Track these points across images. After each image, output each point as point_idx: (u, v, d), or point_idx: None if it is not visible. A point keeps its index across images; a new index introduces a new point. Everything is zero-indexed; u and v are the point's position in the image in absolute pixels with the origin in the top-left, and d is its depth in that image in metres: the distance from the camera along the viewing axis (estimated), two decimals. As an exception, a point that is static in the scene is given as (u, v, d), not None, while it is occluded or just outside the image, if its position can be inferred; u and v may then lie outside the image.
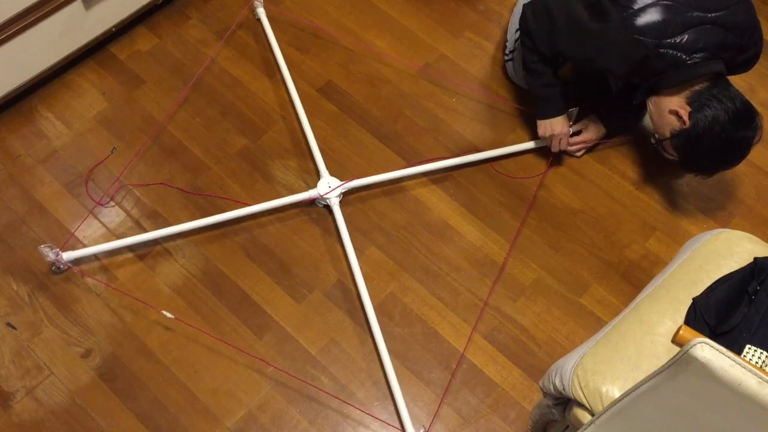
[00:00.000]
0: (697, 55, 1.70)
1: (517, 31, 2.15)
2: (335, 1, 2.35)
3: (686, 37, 1.69)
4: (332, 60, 2.22)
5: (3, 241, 1.85)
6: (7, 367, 1.70)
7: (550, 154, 2.05)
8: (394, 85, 2.19)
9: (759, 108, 1.89)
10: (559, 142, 1.99)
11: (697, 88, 1.74)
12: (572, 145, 2.07)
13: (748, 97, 1.78)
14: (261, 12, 2.25)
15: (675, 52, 1.70)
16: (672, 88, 1.76)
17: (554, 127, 1.96)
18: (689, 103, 1.74)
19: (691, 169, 1.88)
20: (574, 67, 2.16)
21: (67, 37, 2.00)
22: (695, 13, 1.69)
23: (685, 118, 1.74)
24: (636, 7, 1.69)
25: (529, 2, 1.89)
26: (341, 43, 2.26)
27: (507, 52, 2.19)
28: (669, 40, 1.69)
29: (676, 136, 1.78)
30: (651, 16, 1.68)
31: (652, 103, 1.84)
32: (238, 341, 1.76)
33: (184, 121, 2.07)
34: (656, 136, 1.88)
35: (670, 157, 1.87)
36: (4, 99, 1.98)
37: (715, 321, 1.31)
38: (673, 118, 1.77)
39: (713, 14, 1.70)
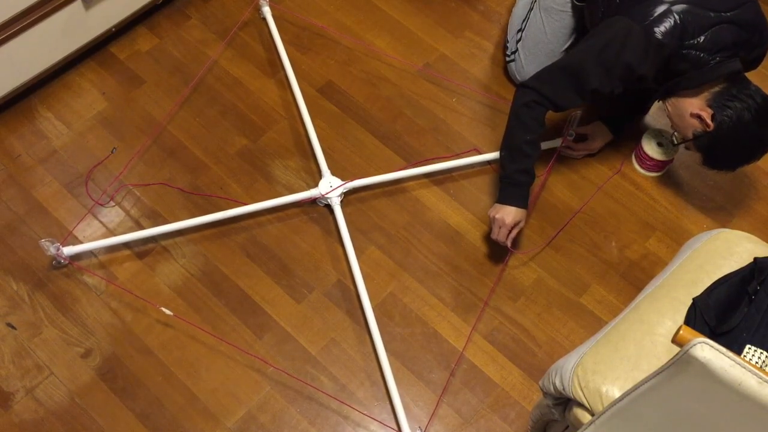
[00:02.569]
0: (718, 55, 1.70)
1: (518, 32, 2.15)
2: (335, 1, 2.35)
3: (706, 37, 1.69)
4: (332, 60, 2.22)
5: (3, 241, 1.85)
6: (7, 367, 1.70)
7: (550, 156, 2.05)
8: (394, 85, 2.19)
9: (759, 108, 1.89)
10: (498, 231, 1.80)
11: (716, 89, 1.73)
12: (576, 150, 2.07)
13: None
14: (266, 11, 2.25)
15: (697, 53, 1.70)
16: (691, 90, 1.75)
17: (507, 215, 1.77)
18: (710, 105, 1.73)
19: (713, 166, 1.84)
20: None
21: (67, 37, 2.00)
22: (711, 14, 1.69)
23: (708, 120, 1.73)
24: (653, 16, 1.68)
25: (533, 80, 1.78)
26: (341, 42, 2.26)
27: (508, 53, 2.18)
28: (690, 41, 1.69)
29: (699, 137, 1.77)
30: (669, 23, 1.67)
31: (671, 105, 1.82)
32: (238, 341, 1.76)
33: (184, 121, 2.07)
34: (677, 136, 1.87)
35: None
36: (4, 99, 1.98)
37: (715, 321, 1.31)
38: (695, 121, 1.76)
39: (728, 13, 1.71)
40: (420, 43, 2.28)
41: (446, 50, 2.28)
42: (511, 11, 2.25)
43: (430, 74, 2.21)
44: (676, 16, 1.68)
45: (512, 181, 1.79)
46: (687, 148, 1.88)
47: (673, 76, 1.76)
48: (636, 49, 1.69)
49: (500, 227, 1.80)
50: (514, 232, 1.81)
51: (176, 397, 1.69)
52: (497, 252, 1.92)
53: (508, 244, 1.81)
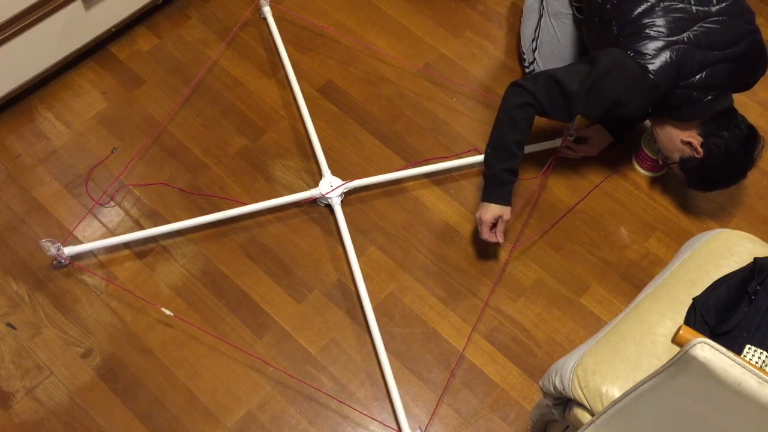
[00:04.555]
0: (712, 93, 1.72)
1: (533, 41, 2.14)
2: (335, 1, 2.35)
3: (702, 76, 1.69)
4: (332, 60, 2.22)
5: (3, 241, 1.85)
6: (7, 367, 1.70)
7: (550, 156, 2.05)
8: (394, 84, 2.19)
9: (759, 108, 1.90)
10: (481, 230, 1.81)
11: (707, 120, 1.76)
12: (576, 151, 2.06)
13: (747, 98, 1.80)
14: (267, 11, 2.25)
15: (691, 92, 1.71)
16: (683, 121, 1.78)
17: (485, 212, 1.78)
18: (701, 134, 1.77)
19: (695, 187, 1.92)
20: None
21: (67, 37, 2.00)
22: (709, 53, 1.69)
23: (699, 148, 1.76)
24: (650, 54, 1.68)
25: (526, 80, 1.76)
26: (341, 42, 2.26)
27: (526, 63, 2.17)
28: (685, 81, 1.70)
29: (686, 161, 1.81)
30: (665, 62, 1.67)
31: (661, 131, 1.84)
32: (238, 341, 1.76)
33: (184, 121, 2.07)
34: (663, 156, 1.92)
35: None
36: (4, 99, 1.98)
37: (715, 321, 1.31)
38: (685, 148, 1.80)
39: (727, 50, 1.70)
40: (420, 43, 2.28)
41: (446, 50, 2.28)
42: (516, 15, 2.25)
43: (430, 74, 2.21)
44: (673, 55, 1.67)
45: (498, 179, 1.77)
46: (671, 168, 1.92)
47: (664, 108, 1.77)
48: (630, 87, 1.69)
49: (480, 225, 1.80)
50: (500, 226, 1.80)
51: (176, 397, 1.69)
52: (495, 251, 1.92)
53: (497, 239, 1.81)
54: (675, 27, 1.69)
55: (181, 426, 1.65)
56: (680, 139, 1.79)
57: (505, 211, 1.79)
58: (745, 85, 1.84)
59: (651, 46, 1.68)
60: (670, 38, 1.68)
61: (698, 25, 1.70)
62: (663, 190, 2.07)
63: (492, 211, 1.78)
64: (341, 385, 1.72)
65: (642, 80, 1.68)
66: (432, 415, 1.70)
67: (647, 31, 1.70)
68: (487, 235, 1.81)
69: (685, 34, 1.69)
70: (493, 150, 1.78)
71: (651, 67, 1.67)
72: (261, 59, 2.21)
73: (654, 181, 2.08)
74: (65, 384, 1.69)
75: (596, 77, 1.69)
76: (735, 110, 1.79)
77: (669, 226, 2.00)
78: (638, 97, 1.71)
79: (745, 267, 1.40)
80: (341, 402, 1.70)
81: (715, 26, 1.70)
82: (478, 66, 2.25)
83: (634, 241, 1.97)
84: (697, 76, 1.69)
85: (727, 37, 1.70)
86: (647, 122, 2.14)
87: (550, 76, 1.73)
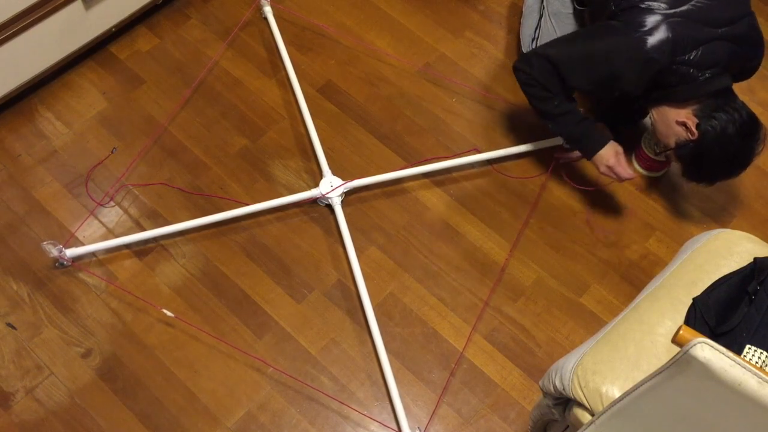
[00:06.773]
0: (709, 71, 1.71)
1: (532, 41, 2.14)
2: (335, 1, 2.35)
3: (698, 53, 1.69)
4: (332, 60, 2.22)
5: (3, 241, 1.85)
6: (7, 367, 1.70)
7: (550, 156, 2.05)
8: (394, 85, 2.19)
9: (759, 108, 1.90)
10: (616, 173, 1.84)
11: (704, 100, 1.74)
12: (576, 153, 2.06)
13: (747, 97, 1.79)
14: (268, 11, 2.26)
15: (687, 68, 1.70)
16: (680, 102, 1.77)
17: (604, 160, 1.84)
18: (696, 115, 1.74)
19: (693, 177, 1.86)
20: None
21: (67, 37, 2.00)
22: (705, 29, 1.69)
23: (693, 128, 1.74)
24: (646, 27, 1.67)
25: (521, 62, 1.80)
26: (341, 42, 2.26)
27: None
28: (682, 57, 1.69)
29: (681, 146, 1.78)
30: (662, 35, 1.66)
31: (657, 113, 1.83)
32: (238, 341, 1.76)
33: (184, 121, 2.07)
34: (660, 145, 1.89)
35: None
36: (4, 99, 1.98)
37: (715, 321, 1.31)
38: (680, 129, 1.78)
39: (722, 29, 1.70)
40: (420, 43, 2.28)
41: (446, 50, 2.28)
42: (516, 15, 2.25)
43: (430, 74, 2.21)
44: (669, 30, 1.67)
45: (582, 133, 1.83)
46: (668, 157, 1.90)
47: (660, 87, 1.77)
48: (624, 60, 1.69)
49: (612, 172, 1.84)
50: (622, 160, 1.84)
51: (176, 397, 1.69)
52: (495, 251, 1.92)
53: (631, 174, 1.85)
54: (671, 0, 1.69)
55: (181, 426, 1.65)
56: (675, 120, 1.77)
57: (614, 146, 1.83)
58: (742, 70, 1.82)
59: (648, 20, 1.68)
60: (667, 11, 1.68)
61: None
62: (663, 190, 2.07)
63: (607, 154, 1.82)
64: (341, 385, 1.73)
65: (637, 53, 1.68)
66: (432, 415, 1.70)
67: (643, 4, 1.70)
68: (625, 174, 1.84)
69: (681, 8, 1.69)
70: (551, 122, 1.85)
71: (648, 39, 1.67)
72: (261, 59, 2.21)
73: (654, 182, 2.08)
74: (65, 384, 1.69)
75: (589, 51, 1.72)
76: (734, 94, 1.76)
77: (669, 226, 2.00)
78: (633, 70, 1.70)
79: (745, 267, 1.40)
80: (341, 402, 1.70)
81: (712, 2, 1.70)
82: (478, 66, 2.25)
83: (634, 241, 1.97)
84: (694, 53, 1.68)
85: (724, 15, 1.70)
86: (647, 121, 2.15)
87: (540, 54, 1.78)
